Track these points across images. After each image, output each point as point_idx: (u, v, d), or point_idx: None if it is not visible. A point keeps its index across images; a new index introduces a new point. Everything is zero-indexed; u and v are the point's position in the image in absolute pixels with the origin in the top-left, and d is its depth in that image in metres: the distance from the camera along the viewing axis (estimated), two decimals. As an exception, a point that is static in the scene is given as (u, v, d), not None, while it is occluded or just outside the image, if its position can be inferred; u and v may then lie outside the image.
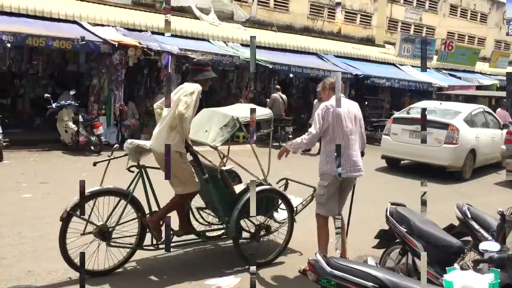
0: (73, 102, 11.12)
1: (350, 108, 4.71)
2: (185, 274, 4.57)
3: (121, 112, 12.16)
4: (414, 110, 10.73)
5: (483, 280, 2.54)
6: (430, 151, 9.73)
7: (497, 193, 9.32)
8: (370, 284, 2.76)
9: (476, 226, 4.08)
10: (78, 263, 4.23)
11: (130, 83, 13.09)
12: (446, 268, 2.96)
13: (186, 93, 4.39)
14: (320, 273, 2.92)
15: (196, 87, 4.46)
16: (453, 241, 3.68)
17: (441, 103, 11.28)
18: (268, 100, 14.22)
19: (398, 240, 4.11)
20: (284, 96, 14.09)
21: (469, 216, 4.18)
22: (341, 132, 4.57)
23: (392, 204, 4.21)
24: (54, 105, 10.90)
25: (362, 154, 4.82)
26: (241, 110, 5.05)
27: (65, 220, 4.23)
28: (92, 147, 10.69)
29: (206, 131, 4.79)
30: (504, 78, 23.38)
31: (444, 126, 9.95)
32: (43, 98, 11.18)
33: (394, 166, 11.04)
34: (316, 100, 12.25)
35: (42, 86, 13.82)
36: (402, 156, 10.73)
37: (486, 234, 3.92)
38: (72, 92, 11.23)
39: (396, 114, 11.73)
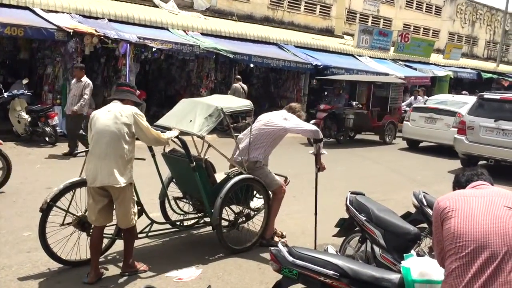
0: (26, 91, 10.72)
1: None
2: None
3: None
4: (430, 101, 13.80)
5: (438, 266, 2.62)
6: (441, 133, 12.26)
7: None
8: (331, 272, 2.81)
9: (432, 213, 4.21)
10: (58, 253, 4.25)
11: (87, 72, 12.69)
12: (404, 254, 3.05)
13: (134, 116, 4.16)
14: (282, 263, 2.94)
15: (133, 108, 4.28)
16: (410, 228, 3.79)
17: (453, 96, 14.18)
18: (229, 90, 14.16)
19: (357, 228, 4.20)
20: (244, 86, 14.07)
21: (425, 203, 4.30)
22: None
23: (352, 193, 4.28)
24: (5, 94, 10.47)
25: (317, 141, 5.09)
26: (224, 101, 5.20)
27: (45, 211, 4.20)
28: (46, 138, 10.35)
29: (191, 120, 4.81)
30: (457, 69, 24.26)
31: (452, 113, 12.35)
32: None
33: (414, 147, 13.56)
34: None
35: (-8, 75, 13.23)
36: (419, 138, 13.26)
37: (441, 221, 4.05)
38: (25, 81, 10.82)
39: (415, 104, 14.81)
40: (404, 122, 13.84)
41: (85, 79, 9.51)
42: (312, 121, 11.86)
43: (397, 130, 14.81)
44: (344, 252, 4.37)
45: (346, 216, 4.33)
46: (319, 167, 5.22)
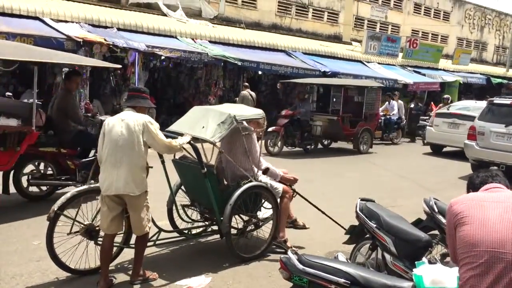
0: (36, 100, 10.78)
1: None
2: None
3: (86, 110, 11.87)
4: (453, 107, 14.05)
5: (451, 273, 2.58)
6: (464, 138, 11.53)
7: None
8: (341, 280, 2.77)
9: (443, 220, 4.14)
10: (66, 263, 4.27)
11: (96, 80, 12.82)
12: (415, 262, 3.00)
13: (146, 125, 4.16)
14: (292, 271, 2.91)
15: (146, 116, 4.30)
16: (421, 235, 3.73)
17: (476, 102, 14.28)
18: (237, 98, 14.18)
19: (368, 235, 4.15)
20: (253, 93, 14.08)
21: (436, 210, 4.24)
22: None
23: (362, 199, 4.24)
24: None
25: None
26: (236, 109, 5.22)
27: (52, 219, 4.21)
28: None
29: (203, 127, 4.82)
30: (466, 75, 24.13)
31: (474, 119, 11.74)
32: (4, 96, 10.79)
33: (437, 151, 13.81)
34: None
35: (3, 84, 13.36)
36: (442, 142, 13.54)
37: (452, 228, 4.00)
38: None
39: (438, 110, 14.72)
40: (427, 127, 13.92)
41: None
42: (270, 128, 11.38)
43: (373, 138, 13.75)
44: (355, 259, 4.32)
45: (356, 223, 4.29)
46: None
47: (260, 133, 5.45)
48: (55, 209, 4.21)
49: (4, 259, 4.65)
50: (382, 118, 15.25)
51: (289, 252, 3.04)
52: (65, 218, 4.30)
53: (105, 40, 11.79)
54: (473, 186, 2.63)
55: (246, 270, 4.77)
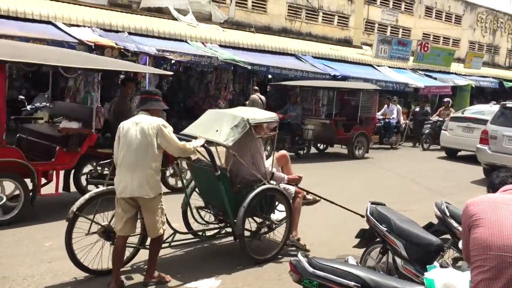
0: (49, 104, 10.90)
1: None
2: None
3: (97, 114, 11.96)
4: (467, 111, 14.02)
5: (463, 277, 2.56)
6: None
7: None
8: (352, 283, 2.76)
9: (455, 224, 4.12)
10: (84, 263, 4.33)
11: (107, 84, 12.90)
12: (427, 266, 2.98)
13: (160, 128, 4.20)
14: (302, 274, 2.90)
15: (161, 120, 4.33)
16: (433, 239, 3.70)
17: (491, 106, 14.06)
18: (247, 101, 14.19)
19: (378, 239, 4.13)
20: (262, 97, 14.07)
21: (448, 214, 4.22)
22: None
23: (372, 203, 4.23)
24: (29, 107, 10.65)
25: None
26: (250, 112, 5.27)
27: (71, 220, 4.29)
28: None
29: (217, 130, 4.88)
30: (478, 78, 23.93)
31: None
32: (17, 100, 10.92)
33: (452, 155, 13.79)
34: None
35: (16, 88, 13.51)
36: (457, 146, 13.47)
37: (464, 232, 3.96)
38: (47, 94, 11.01)
39: (453, 114, 14.64)
40: (442, 131, 13.82)
41: None
42: None
43: (369, 143, 13.26)
44: (365, 263, 4.30)
45: (367, 226, 4.27)
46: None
47: (272, 137, 5.47)
48: (74, 210, 4.29)
49: (16, 260, 4.70)
50: (382, 122, 14.92)
51: (299, 255, 3.03)
52: (84, 219, 4.36)
53: (116, 44, 11.88)
54: (492, 186, 2.60)
55: (256, 272, 4.77)
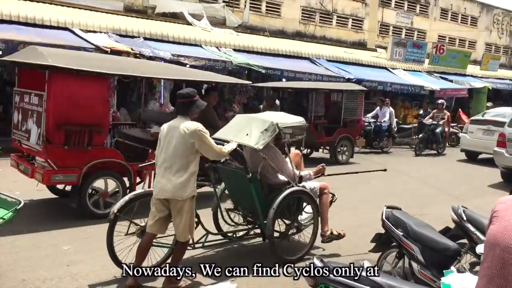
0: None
1: None
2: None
3: (113, 118, 12.10)
4: (487, 114, 13.92)
5: (481, 282, 2.53)
6: None
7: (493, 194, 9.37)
8: (368, 288, 2.75)
9: (472, 229, 4.09)
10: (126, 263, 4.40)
11: (123, 89, 13.04)
12: (443, 271, 2.96)
13: (197, 132, 4.26)
14: (317, 278, 2.90)
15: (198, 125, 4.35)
16: (450, 243, 3.68)
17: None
18: (261, 105, 14.19)
19: (394, 243, 4.11)
20: (277, 101, 14.06)
21: (465, 218, 4.18)
22: None
23: (388, 207, 4.21)
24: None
25: None
26: (278, 116, 5.44)
27: (112, 221, 4.44)
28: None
29: (247, 134, 5.01)
30: (495, 80, 23.64)
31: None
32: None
33: (472, 158, 13.74)
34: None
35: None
36: (477, 149, 13.34)
37: (482, 237, 3.91)
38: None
39: (473, 117, 14.62)
40: (462, 134, 13.91)
41: None
42: None
43: (354, 147, 12.51)
44: (381, 268, 4.27)
45: (382, 231, 4.25)
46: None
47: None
48: (115, 211, 4.44)
49: (35, 263, 4.77)
50: (372, 125, 14.18)
51: (315, 259, 3.03)
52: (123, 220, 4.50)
53: (132, 49, 12.02)
54: None
55: (272, 276, 4.76)
